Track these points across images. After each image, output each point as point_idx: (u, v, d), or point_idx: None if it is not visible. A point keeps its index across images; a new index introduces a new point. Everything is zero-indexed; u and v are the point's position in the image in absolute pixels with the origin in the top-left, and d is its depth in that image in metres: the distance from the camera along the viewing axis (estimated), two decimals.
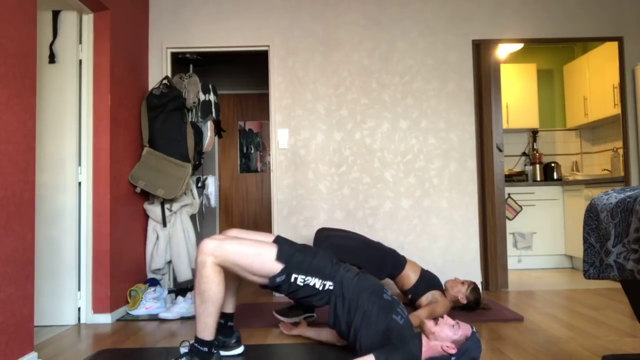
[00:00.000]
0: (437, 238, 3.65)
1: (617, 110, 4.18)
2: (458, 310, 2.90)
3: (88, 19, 2.97)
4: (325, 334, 2.34)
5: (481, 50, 3.79)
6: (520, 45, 4.83)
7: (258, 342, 2.42)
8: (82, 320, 2.91)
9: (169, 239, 3.38)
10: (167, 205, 3.36)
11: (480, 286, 3.54)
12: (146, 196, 3.46)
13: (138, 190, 3.25)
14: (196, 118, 3.54)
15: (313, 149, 3.67)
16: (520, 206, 4.69)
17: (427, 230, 3.65)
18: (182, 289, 3.34)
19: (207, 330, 1.92)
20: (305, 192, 3.65)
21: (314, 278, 1.97)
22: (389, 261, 2.92)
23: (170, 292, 3.28)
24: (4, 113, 2.00)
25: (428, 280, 2.91)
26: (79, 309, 2.91)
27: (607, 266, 1.67)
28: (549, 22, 3.78)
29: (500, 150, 3.73)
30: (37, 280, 2.80)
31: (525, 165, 5.28)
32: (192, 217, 3.58)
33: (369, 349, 1.84)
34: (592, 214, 1.76)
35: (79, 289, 2.90)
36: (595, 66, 4.67)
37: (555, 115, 5.37)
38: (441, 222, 3.65)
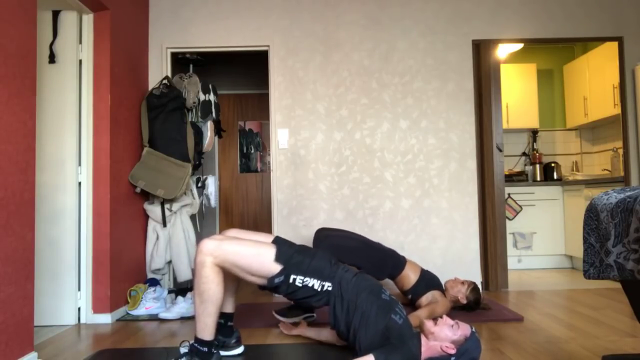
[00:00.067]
0: (437, 238, 3.65)
1: (617, 110, 4.18)
2: (458, 310, 2.90)
3: (88, 19, 2.97)
4: (325, 334, 2.34)
5: (481, 50, 3.79)
6: (520, 45, 4.83)
7: (258, 342, 2.42)
8: (82, 320, 2.91)
9: (169, 239, 3.38)
10: (167, 205, 3.36)
11: (480, 286, 3.54)
12: (146, 196, 3.46)
13: (138, 190, 3.25)
14: (196, 118, 3.54)
15: (313, 149, 3.67)
16: (520, 206, 4.69)
17: (427, 230, 3.65)
18: (182, 289, 3.34)
19: (206, 330, 1.92)
20: (305, 192, 3.65)
21: (312, 279, 1.97)
22: (388, 261, 2.92)
23: (170, 292, 3.28)
24: (4, 113, 2.00)
25: (428, 281, 2.91)
26: (79, 309, 2.91)
27: (607, 266, 1.67)
28: (549, 22, 3.78)
29: (500, 150, 3.73)
30: (37, 280, 2.80)
31: (525, 165, 5.28)
32: (192, 217, 3.58)
33: (368, 349, 1.84)
34: (592, 214, 1.76)
35: (79, 289, 2.90)
36: (595, 66, 4.67)
37: (555, 115, 5.37)
38: (441, 222, 3.65)
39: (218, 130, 3.77)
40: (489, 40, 3.76)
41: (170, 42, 3.72)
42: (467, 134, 3.70)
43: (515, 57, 5.29)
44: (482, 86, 3.77)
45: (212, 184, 3.74)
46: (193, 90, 3.47)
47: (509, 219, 4.67)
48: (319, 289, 1.98)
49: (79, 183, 2.92)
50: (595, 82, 4.69)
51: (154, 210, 3.36)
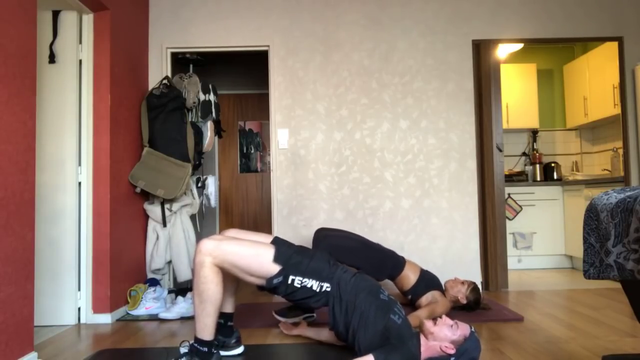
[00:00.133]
0: (437, 238, 3.65)
1: (617, 110, 4.18)
2: (458, 310, 2.90)
3: (88, 19, 2.97)
4: (325, 334, 2.34)
5: (481, 50, 3.79)
6: (520, 45, 4.83)
7: (258, 342, 2.42)
8: (82, 320, 2.92)
9: (169, 239, 3.38)
10: (167, 205, 3.37)
11: (480, 286, 3.54)
12: (146, 196, 3.46)
13: (138, 190, 3.25)
14: (196, 118, 3.54)
15: (313, 149, 3.67)
16: (520, 206, 4.69)
17: (427, 230, 3.65)
18: (182, 289, 3.34)
19: (206, 330, 1.92)
20: (305, 192, 3.65)
21: (311, 280, 1.97)
22: (387, 262, 2.92)
23: (170, 292, 3.28)
24: (4, 113, 2.00)
25: (428, 281, 2.91)
26: (79, 309, 2.91)
27: (607, 266, 1.67)
28: (549, 22, 3.78)
29: (500, 150, 3.73)
30: (37, 280, 2.80)
31: (525, 165, 5.28)
32: (192, 217, 3.58)
33: (367, 349, 1.84)
34: (592, 214, 1.76)
35: (79, 289, 2.90)
36: (595, 66, 4.67)
37: (555, 115, 5.37)
38: (441, 222, 3.65)
39: (218, 130, 3.77)
40: (489, 40, 3.76)
41: (170, 42, 3.72)
42: (467, 134, 3.70)
43: (515, 57, 5.29)
44: (482, 86, 3.77)
45: (212, 184, 3.74)
46: (193, 90, 3.47)
47: (509, 219, 4.67)
48: (318, 290, 1.98)
49: (79, 183, 2.92)
50: (595, 82, 4.69)
51: (154, 210, 3.36)
